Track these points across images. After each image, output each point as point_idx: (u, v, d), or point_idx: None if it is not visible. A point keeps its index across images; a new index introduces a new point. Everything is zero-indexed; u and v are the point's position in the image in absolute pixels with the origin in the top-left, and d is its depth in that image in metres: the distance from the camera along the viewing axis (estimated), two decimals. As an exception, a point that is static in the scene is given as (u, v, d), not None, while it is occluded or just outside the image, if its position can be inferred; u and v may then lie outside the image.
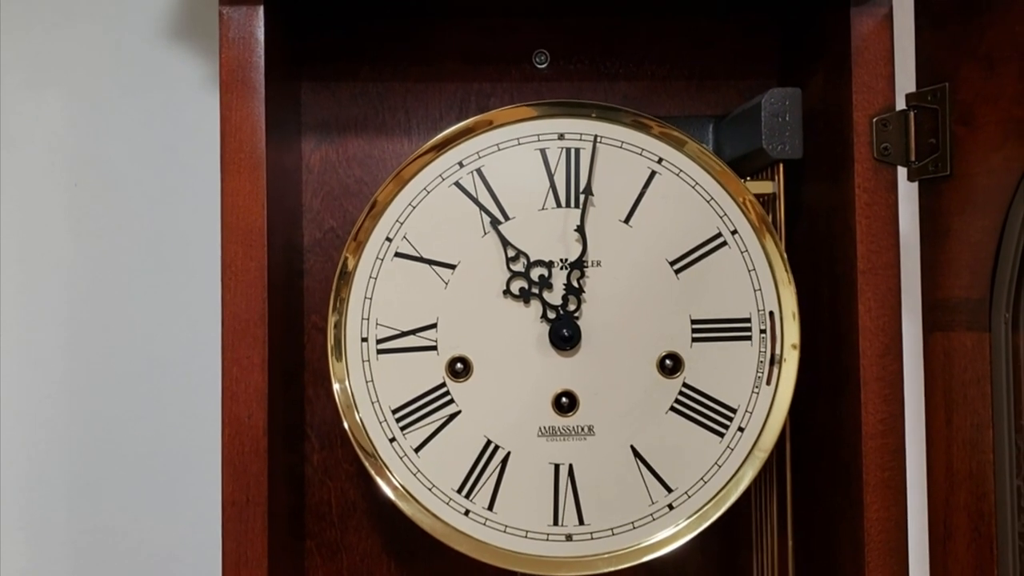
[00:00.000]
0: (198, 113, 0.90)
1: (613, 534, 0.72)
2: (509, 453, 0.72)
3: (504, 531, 0.72)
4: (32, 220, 0.90)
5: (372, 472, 0.71)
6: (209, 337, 0.86)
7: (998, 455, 0.65)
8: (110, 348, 0.90)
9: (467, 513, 0.72)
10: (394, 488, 0.72)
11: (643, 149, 0.73)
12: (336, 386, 0.71)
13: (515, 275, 0.72)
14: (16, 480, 0.89)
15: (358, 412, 0.72)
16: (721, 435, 0.73)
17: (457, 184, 0.73)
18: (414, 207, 0.72)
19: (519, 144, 0.73)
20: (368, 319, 0.72)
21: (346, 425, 0.71)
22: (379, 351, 0.72)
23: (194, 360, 0.89)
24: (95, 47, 0.91)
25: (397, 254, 0.72)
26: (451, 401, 0.72)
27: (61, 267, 0.90)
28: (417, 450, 0.72)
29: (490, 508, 0.72)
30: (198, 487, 0.89)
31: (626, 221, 0.73)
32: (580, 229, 0.72)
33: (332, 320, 0.72)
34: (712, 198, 0.73)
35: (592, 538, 0.72)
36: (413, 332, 0.72)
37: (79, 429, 0.90)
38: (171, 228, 0.90)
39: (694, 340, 0.73)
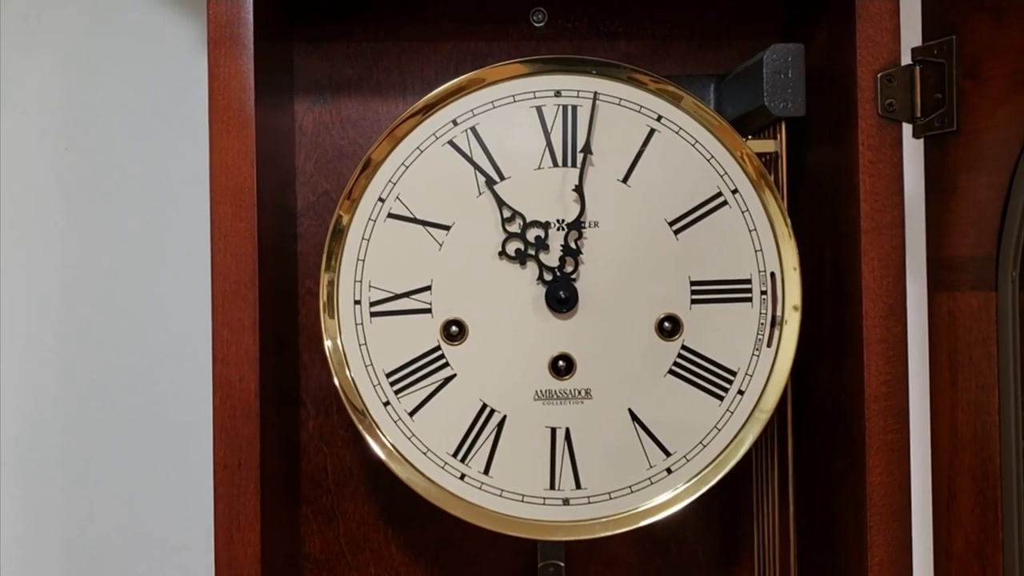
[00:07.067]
0: (190, 76, 0.89)
1: (611, 498, 0.71)
2: (505, 417, 0.71)
3: (500, 495, 0.71)
4: (23, 184, 0.89)
5: (363, 431, 0.70)
6: (202, 302, 0.85)
7: (1004, 417, 0.64)
8: (102, 313, 0.89)
9: (463, 477, 0.71)
10: (384, 447, 0.71)
11: (641, 106, 0.71)
12: (328, 344, 0.70)
13: (511, 236, 0.71)
14: (8, 449, 0.89)
15: (350, 370, 0.70)
16: (721, 398, 0.71)
17: (451, 143, 0.71)
18: (407, 167, 0.71)
19: (515, 101, 0.71)
20: (361, 281, 0.71)
21: (337, 382, 0.70)
22: (372, 314, 0.71)
23: (187, 326, 0.88)
24: (85, 8, 0.89)
25: (390, 215, 0.71)
26: (446, 364, 0.71)
27: (51, 231, 0.89)
28: (412, 414, 0.71)
29: (486, 472, 0.71)
30: (192, 454, 0.88)
31: (624, 181, 0.71)
32: (579, 189, 0.71)
33: (325, 279, 0.70)
34: (712, 156, 0.71)
35: (589, 502, 0.71)
36: (407, 295, 0.71)
37: (72, 396, 0.89)
38: (163, 192, 0.89)
39: (693, 302, 0.71)
